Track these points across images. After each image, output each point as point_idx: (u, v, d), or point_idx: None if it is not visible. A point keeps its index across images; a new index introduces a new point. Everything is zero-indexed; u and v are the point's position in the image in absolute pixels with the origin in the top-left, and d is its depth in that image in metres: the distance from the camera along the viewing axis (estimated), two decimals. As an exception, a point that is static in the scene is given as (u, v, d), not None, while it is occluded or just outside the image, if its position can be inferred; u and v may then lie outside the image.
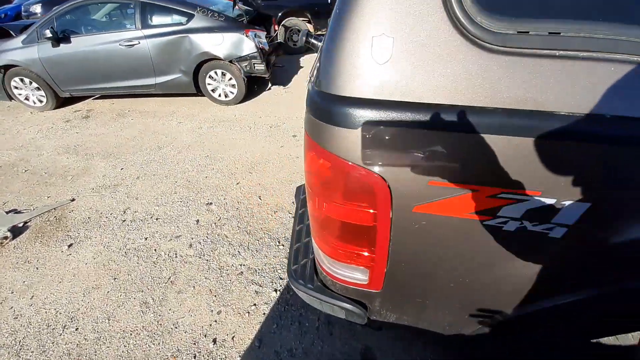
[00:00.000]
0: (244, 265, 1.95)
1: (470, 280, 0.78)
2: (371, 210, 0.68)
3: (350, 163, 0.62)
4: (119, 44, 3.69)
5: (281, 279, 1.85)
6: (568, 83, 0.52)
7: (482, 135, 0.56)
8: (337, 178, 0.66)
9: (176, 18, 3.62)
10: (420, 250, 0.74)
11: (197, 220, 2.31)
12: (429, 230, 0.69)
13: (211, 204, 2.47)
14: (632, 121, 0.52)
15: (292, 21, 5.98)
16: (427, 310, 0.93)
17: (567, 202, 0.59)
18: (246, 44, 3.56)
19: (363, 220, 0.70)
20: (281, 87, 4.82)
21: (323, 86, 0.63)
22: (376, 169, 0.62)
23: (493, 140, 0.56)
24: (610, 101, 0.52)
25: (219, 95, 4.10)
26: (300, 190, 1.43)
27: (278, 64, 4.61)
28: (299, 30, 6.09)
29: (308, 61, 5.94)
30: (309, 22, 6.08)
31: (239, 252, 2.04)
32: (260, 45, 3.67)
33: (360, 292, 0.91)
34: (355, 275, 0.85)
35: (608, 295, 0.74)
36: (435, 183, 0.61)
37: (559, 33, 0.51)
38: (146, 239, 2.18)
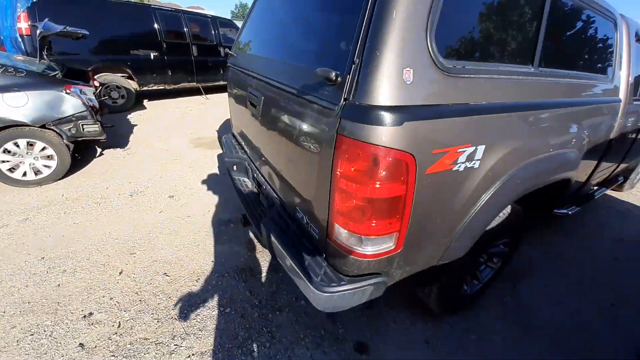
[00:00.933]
0: (193, 354, 1.51)
1: (449, 212, 1.14)
2: (404, 181, 0.94)
3: (393, 149, 0.89)
4: None
5: (257, 343, 1.58)
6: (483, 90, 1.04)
7: (462, 118, 0.99)
8: (381, 163, 0.89)
9: None
10: (426, 201, 1.04)
11: (81, 345, 1.56)
12: (431, 184, 1.02)
13: (92, 314, 1.73)
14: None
15: (108, 77, 5.10)
16: (424, 250, 1.18)
17: (480, 147, 1.08)
18: (68, 102, 2.76)
19: (398, 191, 0.95)
20: (118, 149, 4.00)
21: (368, 100, 0.88)
22: (409, 149, 0.92)
23: (461, 120, 1.02)
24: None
25: (24, 175, 2.91)
26: (269, 226, 1.37)
27: (106, 123, 3.79)
28: (117, 87, 5.28)
29: (139, 118, 5.22)
30: (130, 78, 5.39)
31: (177, 345, 1.56)
32: (90, 103, 2.96)
33: (383, 261, 1.07)
34: (385, 245, 1.04)
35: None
36: (436, 150, 0.98)
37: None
38: (-12, 421, 1.26)
